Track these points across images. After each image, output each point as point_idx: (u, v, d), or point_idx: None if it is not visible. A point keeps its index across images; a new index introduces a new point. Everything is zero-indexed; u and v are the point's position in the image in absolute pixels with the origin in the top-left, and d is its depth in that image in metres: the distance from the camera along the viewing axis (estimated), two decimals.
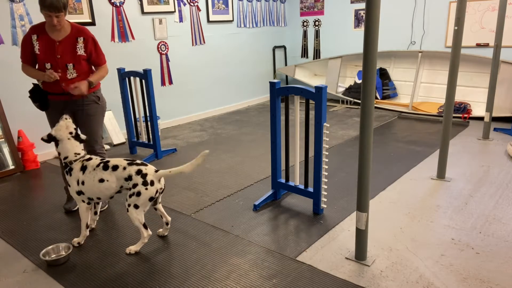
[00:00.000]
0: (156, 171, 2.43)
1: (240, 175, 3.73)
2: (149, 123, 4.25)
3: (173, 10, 5.46)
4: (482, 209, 2.88)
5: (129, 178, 2.39)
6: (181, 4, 5.54)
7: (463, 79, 5.62)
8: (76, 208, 3.12)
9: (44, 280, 2.29)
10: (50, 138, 2.51)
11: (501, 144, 4.28)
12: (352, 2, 6.62)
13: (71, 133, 2.53)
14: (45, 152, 4.42)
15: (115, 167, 2.43)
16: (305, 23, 7.25)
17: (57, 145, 2.54)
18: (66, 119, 2.56)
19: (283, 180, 3.15)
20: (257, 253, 2.45)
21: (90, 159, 2.53)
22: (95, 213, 2.80)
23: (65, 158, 2.52)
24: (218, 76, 6.35)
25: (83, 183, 2.47)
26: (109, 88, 4.92)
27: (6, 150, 3.99)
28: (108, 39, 4.82)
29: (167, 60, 5.54)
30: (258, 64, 7.08)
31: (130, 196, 2.39)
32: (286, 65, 7.64)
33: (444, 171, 3.43)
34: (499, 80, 5.02)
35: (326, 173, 2.85)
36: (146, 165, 2.45)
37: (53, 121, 2.90)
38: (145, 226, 2.48)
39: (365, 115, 2.09)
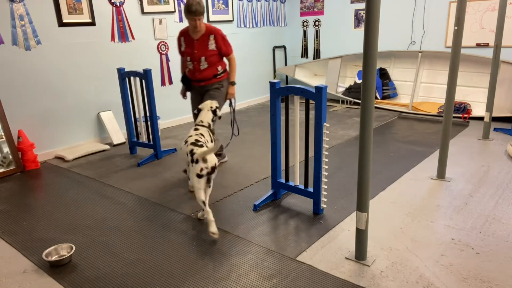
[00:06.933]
0: (203, 152, 2.70)
1: (240, 175, 3.73)
2: (149, 123, 4.25)
3: (173, 10, 5.46)
4: (482, 209, 2.88)
5: (187, 154, 2.82)
6: (181, 4, 5.54)
7: (463, 79, 5.62)
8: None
9: (44, 280, 2.29)
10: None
11: (501, 144, 4.28)
12: (352, 2, 6.62)
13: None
14: (45, 152, 4.42)
15: (185, 142, 2.93)
16: (305, 23, 7.25)
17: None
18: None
19: (283, 180, 3.15)
20: (257, 253, 2.45)
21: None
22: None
23: None
24: None
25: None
26: (109, 88, 4.92)
27: (6, 150, 4.00)
28: (108, 39, 4.82)
29: (167, 60, 5.54)
30: (258, 64, 7.08)
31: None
32: (286, 65, 7.64)
33: (444, 171, 3.43)
34: (499, 80, 5.02)
35: (326, 173, 2.85)
36: (202, 146, 2.79)
37: (192, 99, 3.82)
38: (204, 204, 2.65)
39: (365, 115, 2.09)
